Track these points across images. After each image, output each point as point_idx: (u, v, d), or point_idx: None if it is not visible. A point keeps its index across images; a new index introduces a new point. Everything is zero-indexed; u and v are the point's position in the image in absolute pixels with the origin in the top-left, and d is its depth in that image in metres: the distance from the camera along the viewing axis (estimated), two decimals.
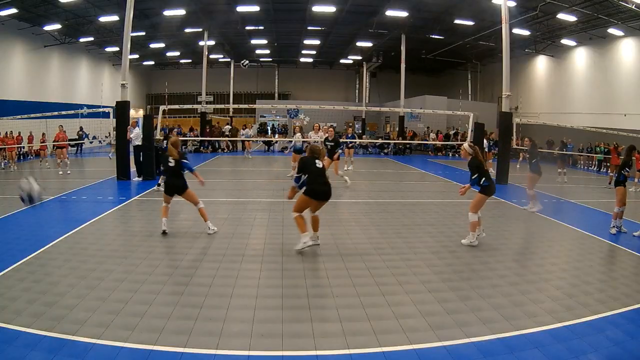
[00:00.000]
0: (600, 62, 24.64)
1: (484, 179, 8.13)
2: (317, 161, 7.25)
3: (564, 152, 19.93)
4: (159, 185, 12.50)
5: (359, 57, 37.91)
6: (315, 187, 7.09)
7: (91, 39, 28.18)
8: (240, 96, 42.32)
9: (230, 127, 30.04)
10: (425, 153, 31.06)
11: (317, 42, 33.36)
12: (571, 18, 22.05)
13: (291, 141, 16.44)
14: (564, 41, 26.24)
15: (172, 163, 8.13)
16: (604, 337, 4.58)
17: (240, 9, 24.53)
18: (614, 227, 9.36)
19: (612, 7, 19.75)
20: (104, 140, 31.91)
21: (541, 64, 30.51)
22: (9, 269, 6.09)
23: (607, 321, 4.95)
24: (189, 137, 29.08)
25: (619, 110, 22.68)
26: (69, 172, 16.48)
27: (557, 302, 5.42)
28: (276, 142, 30.96)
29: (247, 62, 14.10)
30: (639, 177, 15.49)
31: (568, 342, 4.44)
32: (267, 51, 37.49)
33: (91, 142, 25.55)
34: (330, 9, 24.11)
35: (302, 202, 7.14)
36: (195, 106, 30.75)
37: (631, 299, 5.59)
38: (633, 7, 18.12)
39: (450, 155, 29.68)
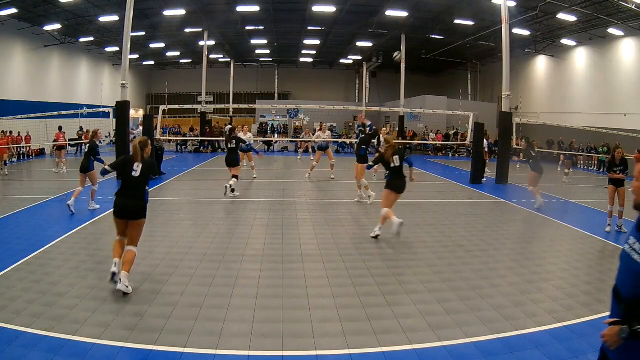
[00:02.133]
0: (600, 62, 24.63)
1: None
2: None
3: (570, 153, 19.99)
4: None
5: (359, 57, 37.89)
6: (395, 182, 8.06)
7: (91, 39, 28.18)
8: (240, 96, 42.34)
9: (230, 126, 29.99)
10: (425, 153, 31.07)
11: (317, 42, 33.34)
12: (571, 18, 22.04)
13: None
14: (564, 41, 26.24)
15: (136, 172, 5.75)
16: None
17: (240, 8, 24.53)
18: (609, 225, 9.56)
19: (612, 7, 19.75)
20: (103, 141, 31.88)
21: (541, 64, 30.50)
22: (9, 269, 6.09)
23: None
24: (189, 136, 29.13)
25: (619, 110, 22.68)
26: (65, 172, 16.51)
27: (557, 302, 5.43)
28: (276, 142, 30.97)
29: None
30: None
31: (568, 342, 4.44)
32: (267, 51, 37.48)
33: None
34: (330, 8, 24.10)
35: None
36: (195, 106, 30.77)
37: None
38: (633, 7, 18.11)
39: (450, 155, 29.65)
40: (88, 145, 10.23)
